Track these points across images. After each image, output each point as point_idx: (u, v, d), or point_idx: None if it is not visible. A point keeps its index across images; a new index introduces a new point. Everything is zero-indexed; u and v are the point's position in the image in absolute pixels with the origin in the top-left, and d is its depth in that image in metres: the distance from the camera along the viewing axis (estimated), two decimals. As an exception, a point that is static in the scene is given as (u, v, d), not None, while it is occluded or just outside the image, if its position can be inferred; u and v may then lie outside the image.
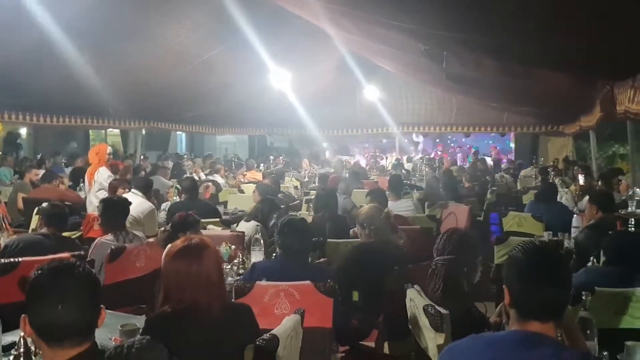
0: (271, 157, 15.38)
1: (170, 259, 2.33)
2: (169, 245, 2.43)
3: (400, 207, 5.60)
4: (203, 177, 10.41)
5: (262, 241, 4.10)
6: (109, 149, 6.58)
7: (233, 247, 4.03)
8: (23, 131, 15.43)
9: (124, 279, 3.90)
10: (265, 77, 10.33)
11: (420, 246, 4.12)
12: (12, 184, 8.42)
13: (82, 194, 7.03)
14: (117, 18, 7.95)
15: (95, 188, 6.27)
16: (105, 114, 11.81)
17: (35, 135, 15.54)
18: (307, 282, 2.94)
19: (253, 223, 4.92)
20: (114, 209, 4.11)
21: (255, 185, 7.62)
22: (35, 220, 5.31)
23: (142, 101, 11.18)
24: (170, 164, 12.28)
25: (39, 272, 1.64)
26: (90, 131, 17.40)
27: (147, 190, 5.42)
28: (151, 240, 4.35)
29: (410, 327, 2.83)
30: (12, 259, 3.48)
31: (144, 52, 9.33)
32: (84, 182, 6.82)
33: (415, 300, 2.66)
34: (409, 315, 2.81)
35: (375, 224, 3.58)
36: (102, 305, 1.69)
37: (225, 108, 12.44)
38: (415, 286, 2.79)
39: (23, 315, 1.64)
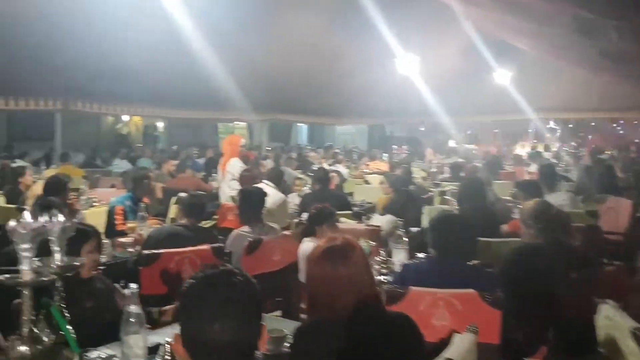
0: (394, 147, 14.97)
1: (314, 262, 2.08)
2: (311, 246, 2.18)
3: (555, 201, 4.94)
4: (326, 167, 10.27)
5: (404, 238, 3.74)
6: (242, 141, 6.59)
7: (373, 243, 3.72)
8: (160, 125, 16.40)
9: (261, 272, 3.75)
10: (389, 63, 9.93)
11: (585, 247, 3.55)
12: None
13: (214, 184, 7.15)
14: (243, 11, 8.04)
15: (228, 178, 6.29)
16: (232, 107, 12.16)
17: (170, 128, 16.44)
18: (471, 291, 2.54)
19: (389, 217, 4.59)
20: (251, 200, 3.99)
21: (382, 175, 7.28)
22: (173, 209, 5.39)
23: (268, 94, 11.30)
24: (294, 155, 12.32)
25: (194, 281, 1.40)
26: (218, 124, 18.10)
27: (278, 181, 5.30)
28: (286, 232, 4.18)
29: (599, 348, 2.34)
30: (153, 251, 3.46)
31: (269, 44, 9.37)
32: (216, 172, 6.92)
33: (616, 320, 2.16)
34: (602, 334, 2.32)
35: (544, 221, 3.06)
36: (263, 323, 1.43)
37: (346, 98, 12.22)
38: (609, 302, 2.30)
39: (175, 333, 1.42)
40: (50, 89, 8.60)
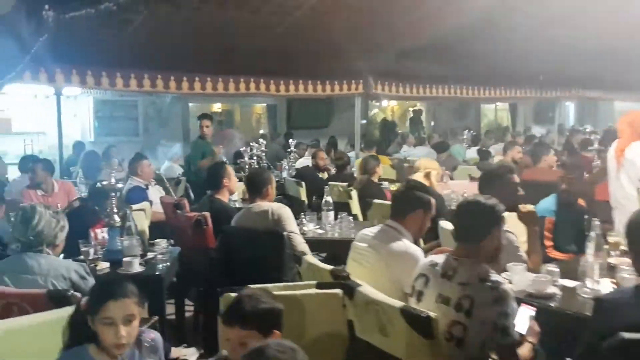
0: None
1: None
2: None
3: None
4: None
5: None
6: None
7: None
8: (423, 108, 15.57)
9: None
10: None
11: None
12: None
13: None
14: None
15: (627, 167, 4.75)
16: (529, 84, 10.54)
17: (433, 112, 15.47)
18: None
19: None
20: None
21: None
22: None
23: (575, 65, 9.45)
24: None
25: None
26: (481, 106, 16.55)
27: None
28: None
29: None
30: None
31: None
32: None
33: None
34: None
35: None
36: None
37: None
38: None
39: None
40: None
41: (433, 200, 2.84)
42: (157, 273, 3.22)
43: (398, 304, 2.03)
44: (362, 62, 8.16)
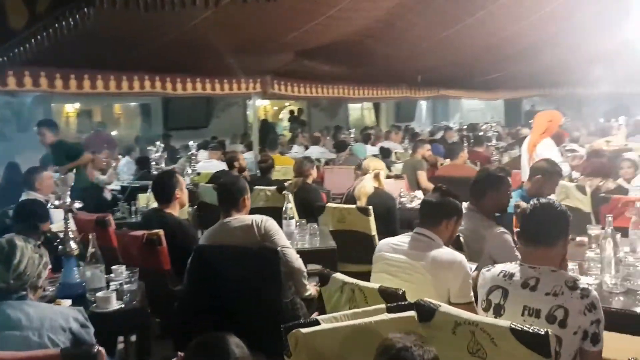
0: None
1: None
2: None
3: None
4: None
5: None
6: (563, 119, 5.43)
7: None
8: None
9: None
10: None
11: None
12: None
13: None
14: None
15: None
16: (410, 83, 11.07)
17: (308, 111, 15.58)
18: None
19: None
20: None
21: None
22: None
23: (438, 68, 10.15)
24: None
25: None
26: (349, 105, 17.05)
27: None
28: None
29: None
30: None
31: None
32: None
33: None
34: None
35: None
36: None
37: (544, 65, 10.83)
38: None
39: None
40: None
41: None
42: (139, 307, 2.70)
43: (503, 323, 1.89)
44: (261, 61, 7.89)
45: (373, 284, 2.31)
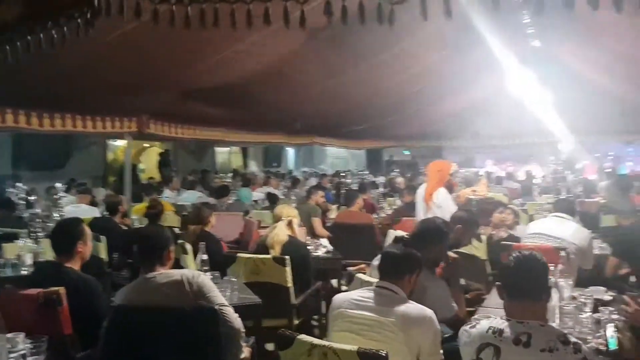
0: (395, 171, 14.51)
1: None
2: None
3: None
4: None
5: None
6: (453, 168, 5.73)
7: None
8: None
9: None
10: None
11: None
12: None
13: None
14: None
15: (435, 211, 5.40)
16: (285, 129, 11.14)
17: (174, 154, 14.87)
18: None
19: None
20: None
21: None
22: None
23: (315, 116, 10.47)
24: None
25: None
26: (215, 148, 16.65)
27: (573, 213, 4.52)
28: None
29: None
30: None
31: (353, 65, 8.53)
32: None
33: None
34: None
35: None
36: None
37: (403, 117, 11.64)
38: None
39: None
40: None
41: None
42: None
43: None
44: (139, 100, 7.40)
45: (350, 346, 2.13)
